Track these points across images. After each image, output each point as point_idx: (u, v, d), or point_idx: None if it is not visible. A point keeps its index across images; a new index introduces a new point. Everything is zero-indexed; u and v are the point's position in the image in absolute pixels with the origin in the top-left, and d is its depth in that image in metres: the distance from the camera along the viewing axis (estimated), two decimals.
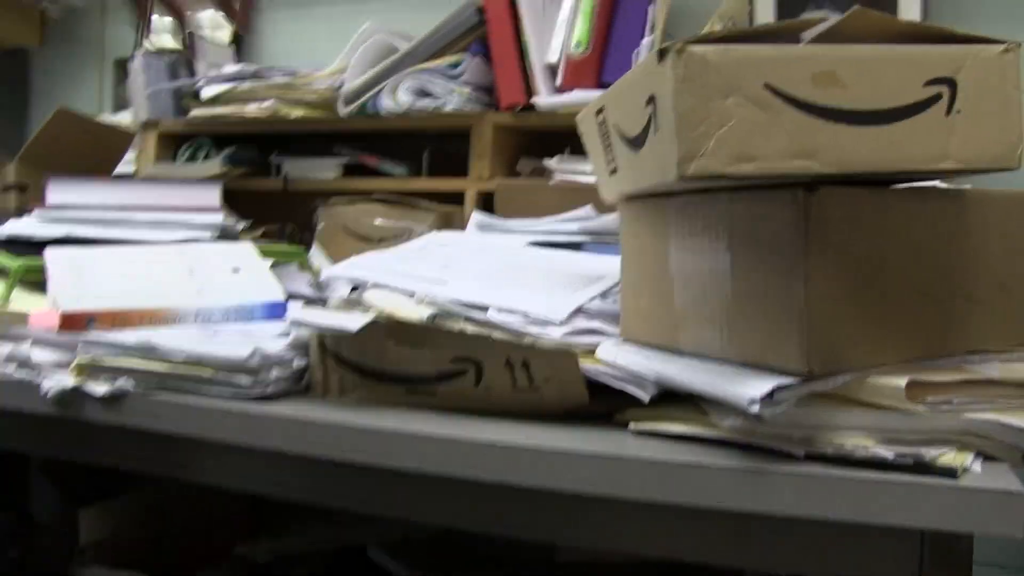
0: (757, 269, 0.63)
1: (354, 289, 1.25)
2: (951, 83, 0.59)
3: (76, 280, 1.02)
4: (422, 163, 1.78)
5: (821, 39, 0.59)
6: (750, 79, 0.55)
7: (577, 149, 1.47)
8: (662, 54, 0.55)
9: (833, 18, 0.59)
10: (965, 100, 0.59)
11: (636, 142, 0.63)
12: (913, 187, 0.67)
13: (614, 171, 0.74)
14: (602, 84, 1.47)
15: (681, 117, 0.54)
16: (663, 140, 0.57)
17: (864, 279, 0.62)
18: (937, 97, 0.58)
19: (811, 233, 0.59)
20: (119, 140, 1.77)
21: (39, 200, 1.25)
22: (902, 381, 0.60)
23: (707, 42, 0.55)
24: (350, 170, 1.83)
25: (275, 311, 1.09)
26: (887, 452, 0.60)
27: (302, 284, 1.26)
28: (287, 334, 0.91)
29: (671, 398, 0.73)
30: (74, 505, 1.52)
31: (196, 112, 1.89)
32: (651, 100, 0.58)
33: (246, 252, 1.19)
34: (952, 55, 0.59)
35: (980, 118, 0.59)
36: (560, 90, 1.48)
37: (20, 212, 1.28)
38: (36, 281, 1.08)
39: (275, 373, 0.85)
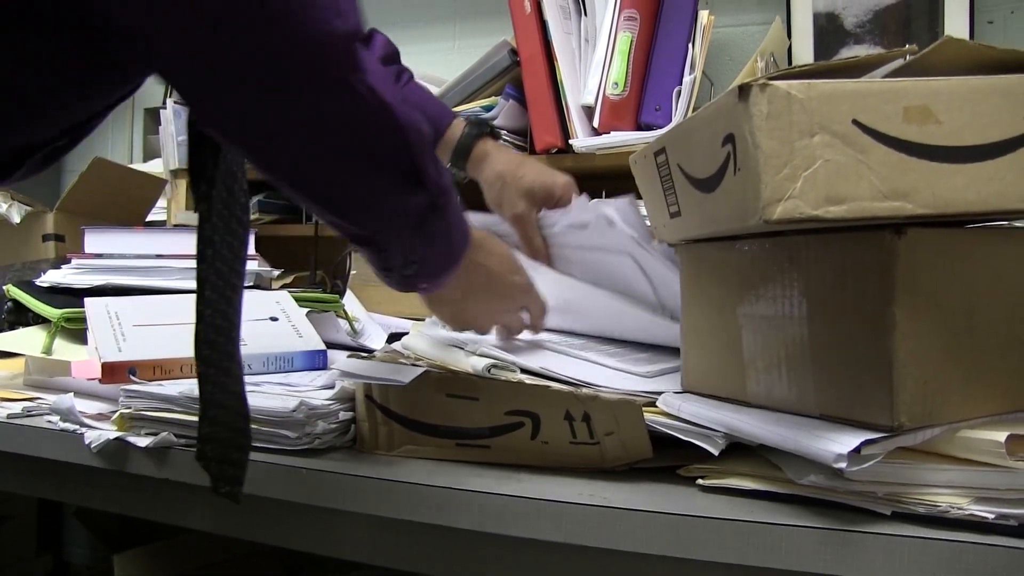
0: (838, 316, 0.60)
1: (392, 338, 1.23)
2: None
3: (116, 330, 1.00)
4: None
5: (907, 72, 0.56)
6: (838, 115, 0.52)
7: (613, 192, 1.44)
8: (743, 91, 0.52)
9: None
10: None
11: (707, 184, 0.61)
12: (1004, 227, 0.63)
13: (676, 214, 0.72)
14: (640, 125, 1.44)
15: (766, 157, 0.51)
16: (744, 182, 0.54)
17: (955, 326, 0.58)
18: None
19: (900, 278, 0.55)
20: (151, 188, 1.77)
21: (77, 249, 1.25)
22: (1001, 435, 0.56)
23: (789, 77, 0.52)
24: None
25: (315, 360, 1.07)
26: (987, 512, 0.56)
27: (339, 332, 1.24)
28: (331, 386, 0.89)
29: (735, 451, 0.70)
30: (108, 550, 1.51)
31: None
32: (729, 140, 0.55)
33: (283, 300, 1.18)
34: None
35: None
36: (597, 132, 1.45)
37: (59, 262, 1.27)
38: (77, 330, 1.07)
39: (321, 426, 0.82)
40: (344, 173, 0.64)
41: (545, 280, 0.98)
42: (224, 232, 0.70)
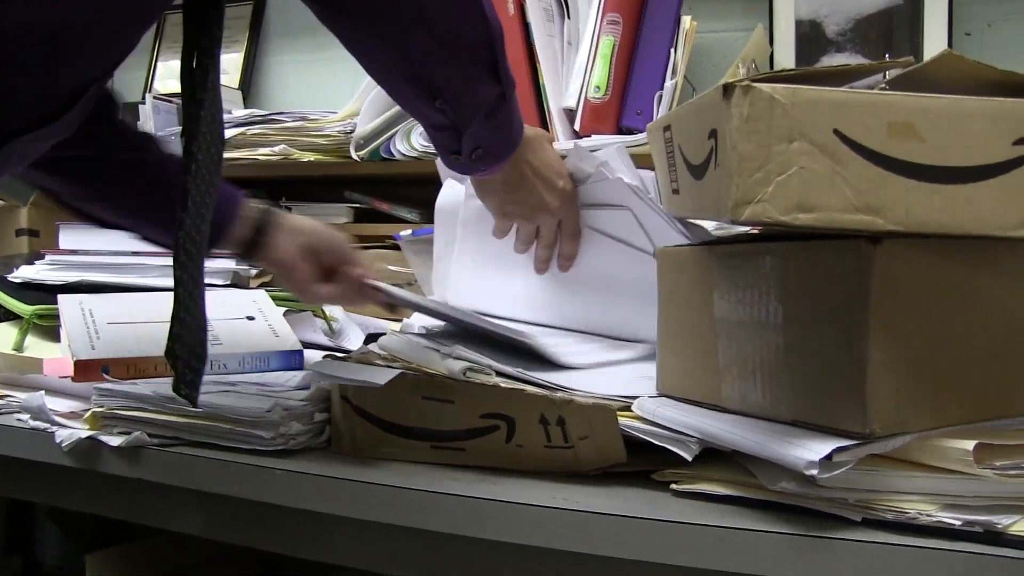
0: (812, 323, 0.60)
1: (370, 338, 1.22)
2: None
3: (90, 327, 0.99)
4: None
5: (902, 82, 0.56)
6: (819, 124, 0.52)
7: None
8: (727, 90, 0.52)
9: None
10: None
11: (698, 171, 0.61)
12: (981, 241, 0.63)
13: (676, 192, 0.72)
14: (621, 129, 1.45)
15: (741, 159, 0.51)
16: (721, 178, 0.54)
17: (928, 335, 0.58)
18: None
19: (875, 287, 0.55)
20: None
21: (52, 245, 1.24)
22: (969, 444, 0.57)
23: (775, 80, 0.52)
24: (362, 215, 1.80)
25: (291, 360, 1.06)
26: (953, 519, 0.57)
27: (316, 332, 1.24)
28: (307, 386, 0.89)
29: (709, 456, 0.70)
30: (80, 551, 1.50)
31: None
32: (713, 135, 0.55)
33: (260, 299, 1.17)
34: None
35: None
36: (578, 135, 1.46)
37: (33, 257, 1.26)
38: (50, 327, 1.06)
39: (295, 427, 0.81)
40: (445, 56, 0.75)
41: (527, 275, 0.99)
42: (207, 154, 0.74)
